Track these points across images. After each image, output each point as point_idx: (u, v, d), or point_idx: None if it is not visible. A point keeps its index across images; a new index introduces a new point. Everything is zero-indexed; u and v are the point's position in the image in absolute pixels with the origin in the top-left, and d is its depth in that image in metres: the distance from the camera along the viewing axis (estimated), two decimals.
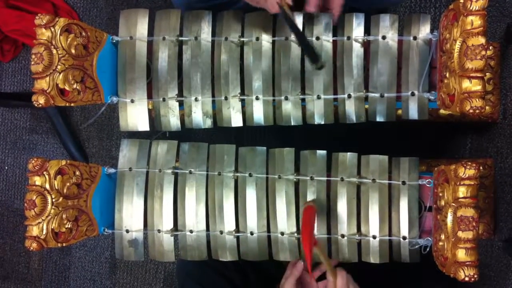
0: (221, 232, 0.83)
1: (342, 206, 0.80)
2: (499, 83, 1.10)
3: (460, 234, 0.64)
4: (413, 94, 0.79)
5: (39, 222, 0.72)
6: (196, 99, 0.83)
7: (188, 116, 0.84)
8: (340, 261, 0.81)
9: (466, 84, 0.63)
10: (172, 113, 0.84)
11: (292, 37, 0.80)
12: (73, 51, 0.75)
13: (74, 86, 0.75)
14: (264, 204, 0.82)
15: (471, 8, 0.62)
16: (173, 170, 0.84)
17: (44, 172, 0.74)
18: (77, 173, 0.79)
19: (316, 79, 0.81)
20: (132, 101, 0.83)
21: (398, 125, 0.90)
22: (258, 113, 0.82)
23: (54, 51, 0.72)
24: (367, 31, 0.80)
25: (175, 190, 0.84)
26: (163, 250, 0.84)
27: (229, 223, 0.82)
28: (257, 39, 0.82)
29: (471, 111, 0.62)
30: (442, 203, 0.70)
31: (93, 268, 1.46)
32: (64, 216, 0.75)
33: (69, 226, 0.76)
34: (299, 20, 0.80)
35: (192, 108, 0.83)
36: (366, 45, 0.80)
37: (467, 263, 0.63)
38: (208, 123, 0.84)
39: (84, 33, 0.77)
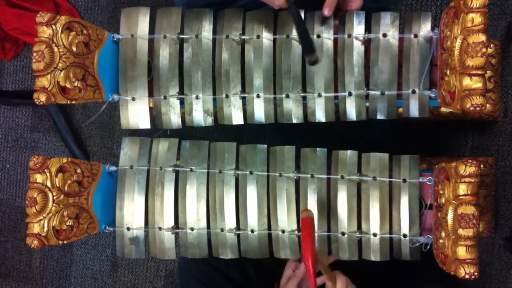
0: (222, 230, 0.83)
1: (342, 204, 0.81)
2: (500, 81, 1.10)
3: (461, 231, 0.64)
4: (413, 92, 0.79)
5: (40, 220, 0.72)
6: (197, 97, 0.83)
7: (189, 114, 0.84)
8: (339, 259, 0.81)
9: (467, 81, 0.63)
10: (173, 111, 0.84)
11: (294, 33, 0.80)
12: (74, 49, 0.75)
13: (75, 84, 0.75)
14: (264, 202, 0.82)
15: (471, 5, 0.62)
16: (174, 168, 0.84)
17: (45, 170, 0.74)
18: (78, 171, 0.79)
19: (317, 77, 0.81)
20: (133, 99, 0.83)
21: (398, 123, 0.90)
22: (259, 111, 0.83)
23: (55, 49, 0.72)
24: (368, 29, 0.80)
25: (176, 188, 0.84)
26: (164, 248, 0.84)
27: (229, 221, 0.83)
28: (258, 37, 0.82)
29: (471, 108, 0.62)
30: (443, 200, 0.70)
31: (94, 266, 1.46)
32: (65, 213, 0.75)
33: (70, 224, 0.76)
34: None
35: (193, 106, 0.83)
36: (367, 43, 0.80)
37: (468, 260, 0.63)
38: (209, 121, 0.84)
39: (85, 31, 0.77)
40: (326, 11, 0.76)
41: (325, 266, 0.71)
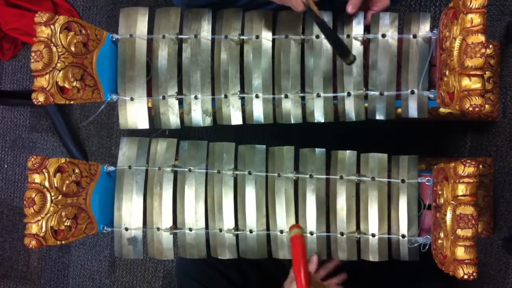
0: (220, 230, 0.83)
1: (341, 204, 0.80)
2: (499, 82, 1.10)
3: (459, 232, 0.64)
4: (412, 92, 0.79)
5: (38, 220, 0.72)
6: (195, 97, 0.83)
7: (188, 114, 0.84)
8: (340, 261, 0.81)
9: (466, 82, 0.63)
10: (171, 111, 0.84)
11: (293, 33, 0.80)
12: (73, 49, 0.75)
13: (74, 84, 0.75)
14: (263, 202, 0.82)
15: (471, 6, 0.62)
16: (172, 168, 0.84)
17: (44, 170, 0.74)
18: (77, 171, 0.79)
19: (316, 77, 0.81)
20: (132, 99, 0.83)
21: (397, 123, 0.90)
22: (258, 111, 0.82)
23: (54, 49, 0.72)
24: (367, 30, 0.80)
25: (175, 188, 0.84)
26: (162, 248, 0.84)
27: (228, 221, 0.83)
28: (257, 37, 0.81)
29: (470, 109, 0.62)
30: (441, 201, 0.70)
31: (92, 267, 1.46)
32: (63, 214, 0.75)
33: (68, 224, 0.76)
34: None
35: (191, 106, 0.83)
36: (366, 43, 0.80)
37: (466, 261, 0.63)
38: (208, 121, 0.84)
39: (84, 31, 0.77)
40: (350, 8, 0.75)
41: (318, 282, 0.71)
